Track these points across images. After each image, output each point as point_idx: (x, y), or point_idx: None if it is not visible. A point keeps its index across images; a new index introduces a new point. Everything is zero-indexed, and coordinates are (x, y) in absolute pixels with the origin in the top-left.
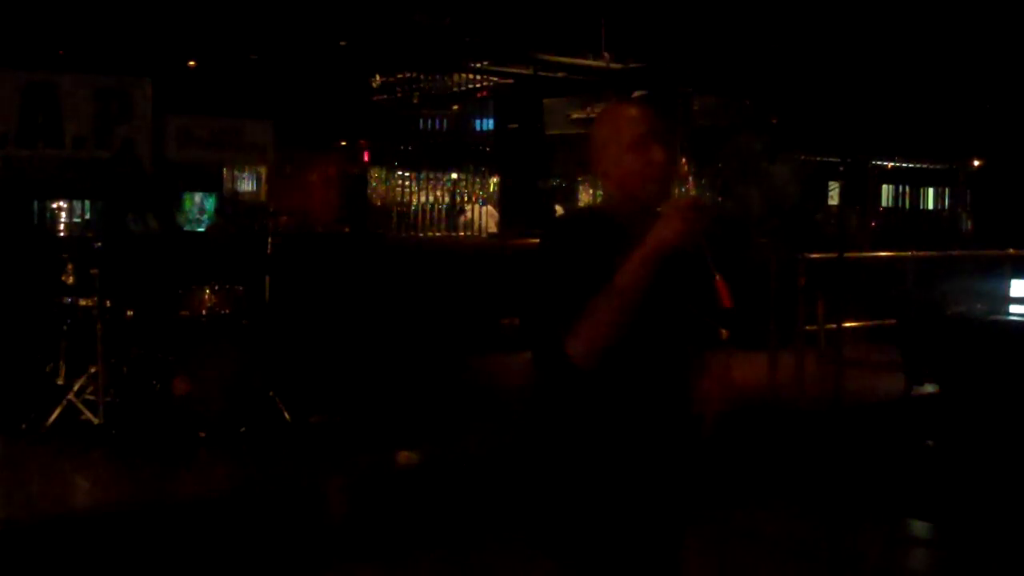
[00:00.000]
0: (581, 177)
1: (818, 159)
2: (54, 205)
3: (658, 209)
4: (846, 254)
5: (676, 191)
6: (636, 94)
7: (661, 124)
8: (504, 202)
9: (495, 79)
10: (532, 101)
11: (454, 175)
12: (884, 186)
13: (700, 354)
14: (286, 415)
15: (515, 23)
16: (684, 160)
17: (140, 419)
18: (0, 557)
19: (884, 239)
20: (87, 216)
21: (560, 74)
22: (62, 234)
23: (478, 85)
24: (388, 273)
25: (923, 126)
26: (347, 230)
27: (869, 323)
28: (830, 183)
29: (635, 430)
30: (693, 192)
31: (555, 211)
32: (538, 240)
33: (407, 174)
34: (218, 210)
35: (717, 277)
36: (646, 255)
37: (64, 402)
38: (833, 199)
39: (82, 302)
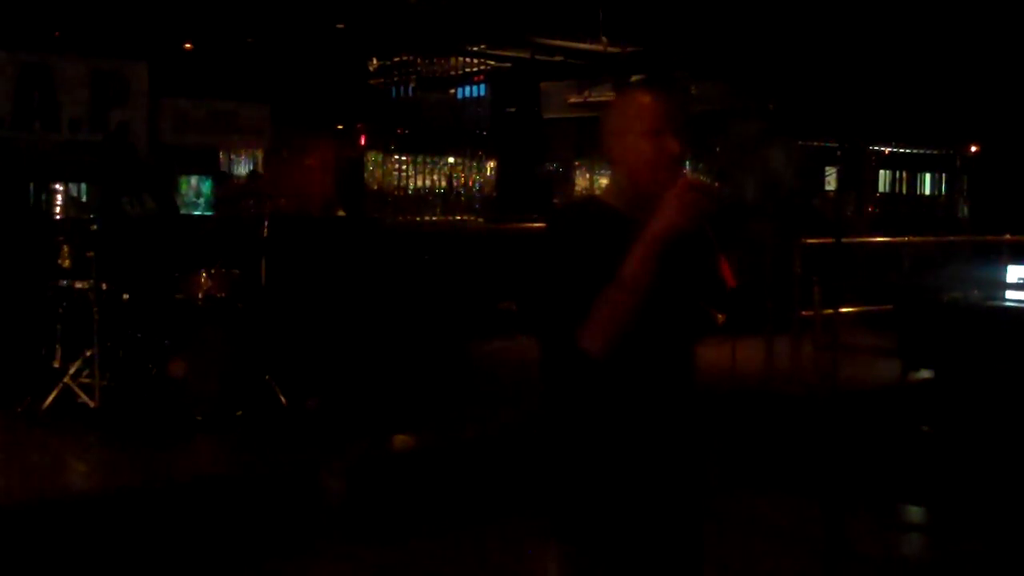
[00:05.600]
0: (578, 161)
1: (815, 144)
2: (50, 187)
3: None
4: (843, 239)
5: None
6: (634, 78)
7: (678, 114)
8: (501, 186)
9: (492, 63)
10: (529, 85)
11: (451, 159)
12: (881, 171)
13: (697, 340)
14: (282, 399)
15: (512, 6)
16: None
17: (136, 402)
18: None
19: (881, 224)
20: (83, 199)
21: (557, 58)
22: (58, 217)
23: (475, 69)
24: (385, 257)
25: (920, 112)
26: (340, 213)
27: (866, 308)
28: (827, 168)
29: (645, 415)
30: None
31: (553, 197)
32: (540, 226)
33: (404, 158)
34: (218, 198)
35: (721, 257)
36: (649, 243)
37: (60, 385)
38: (830, 184)
39: (78, 285)
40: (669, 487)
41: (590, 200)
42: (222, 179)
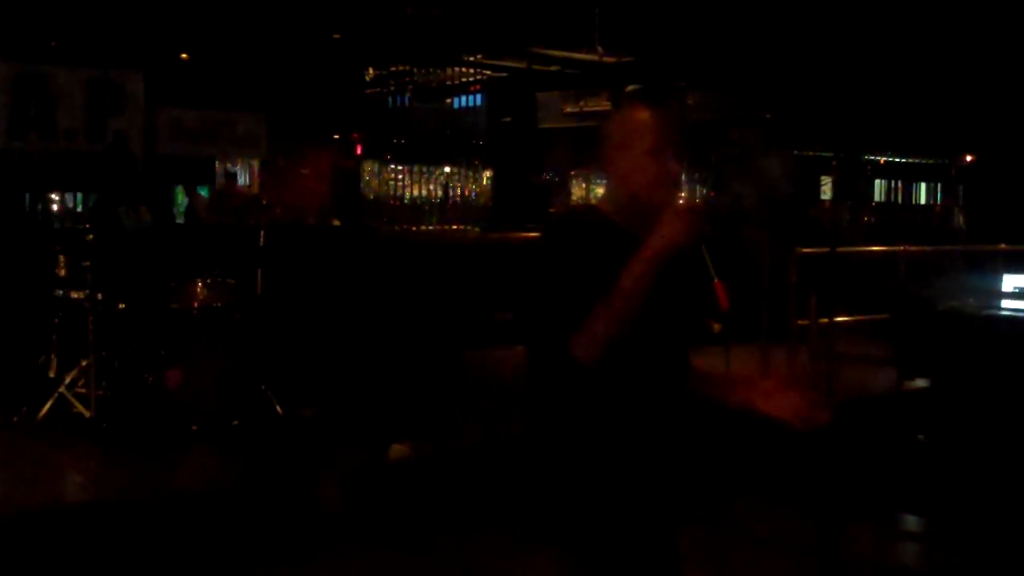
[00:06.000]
0: (574, 171)
1: (811, 154)
2: (46, 197)
3: (660, 213)
4: (838, 249)
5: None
6: (630, 88)
7: (679, 131)
8: (497, 195)
9: (488, 72)
10: (525, 95)
11: (447, 168)
12: (877, 181)
13: (689, 348)
14: (278, 408)
15: (509, 16)
16: None
17: (132, 412)
18: None
19: (876, 234)
20: (79, 208)
21: (553, 68)
22: (54, 226)
23: (471, 78)
24: (381, 266)
25: (916, 122)
26: (335, 222)
27: (861, 318)
28: (823, 178)
29: (633, 422)
30: (684, 188)
31: (549, 206)
32: (535, 235)
33: (400, 167)
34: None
35: (715, 279)
36: (648, 258)
37: (56, 395)
38: (826, 194)
39: (74, 295)
40: (654, 492)
41: (589, 209)
42: (193, 195)
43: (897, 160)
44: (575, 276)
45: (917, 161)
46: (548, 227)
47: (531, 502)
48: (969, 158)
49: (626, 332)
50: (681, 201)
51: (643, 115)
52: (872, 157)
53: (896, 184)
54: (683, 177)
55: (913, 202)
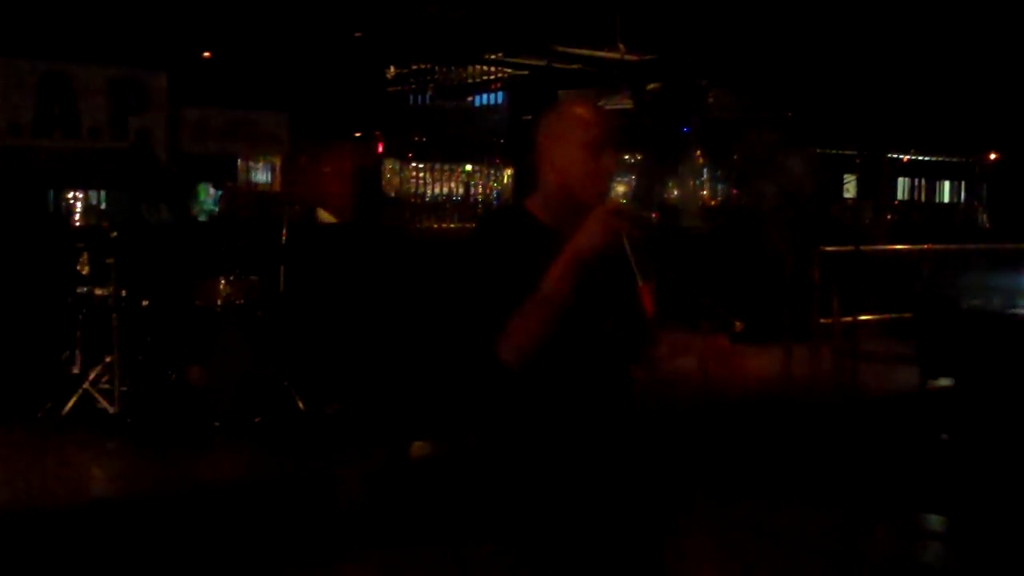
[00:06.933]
0: None
1: (834, 152)
2: (70, 195)
3: (587, 212)
4: (861, 247)
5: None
6: (650, 87)
7: (617, 131)
8: (518, 193)
9: (509, 71)
10: (546, 93)
11: (468, 167)
12: (900, 179)
13: (646, 348)
14: (300, 405)
15: (530, 15)
16: (699, 152)
17: (155, 408)
18: (17, 544)
19: (900, 232)
20: (103, 206)
21: (575, 66)
22: (78, 224)
23: (493, 77)
24: (403, 264)
25: (939, 120)
26: (327, 217)
27: (884, 316)
28: (846, 176)
29: (565, 424)
30: (705, 186)
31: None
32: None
33: (421, 165)
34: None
35: (641, 284)
36: (568, 262)
37: (80, 391)
38: (849, 192)
39: (98, 292)
40: (598, 491)
41: (515, 210)
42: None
43: (920, 158)
44: (498, 279)
45: (940, 159)
46: (474, 229)
47: (486, 504)
48: (993, 156)
49: (552, 335)
50: (606, 203)
51: (586, 110)
52: (895, 155)
53: (919, 182)
54: (614, 175)
55: (936, 200)
